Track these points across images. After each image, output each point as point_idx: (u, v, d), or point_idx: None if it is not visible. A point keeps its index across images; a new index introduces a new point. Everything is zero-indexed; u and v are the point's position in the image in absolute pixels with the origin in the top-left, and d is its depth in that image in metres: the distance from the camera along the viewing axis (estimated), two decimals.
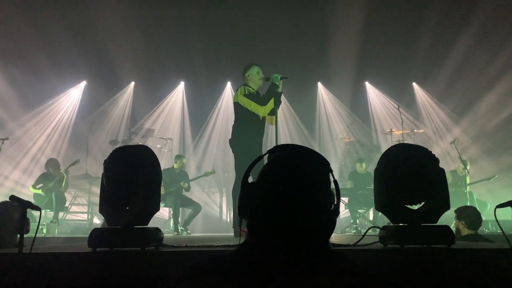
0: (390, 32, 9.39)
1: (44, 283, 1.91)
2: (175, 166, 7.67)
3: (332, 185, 1.16)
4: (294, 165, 1.13)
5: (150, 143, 9.23)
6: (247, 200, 1.14)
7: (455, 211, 4.35)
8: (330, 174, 1.16)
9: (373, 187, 2.30)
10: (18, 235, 2.09)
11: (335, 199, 1.14)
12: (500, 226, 2.21)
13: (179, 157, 7.85)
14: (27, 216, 2.17)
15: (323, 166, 1.15)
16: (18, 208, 2.12)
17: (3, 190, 8.44)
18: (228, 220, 8.98)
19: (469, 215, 4.33)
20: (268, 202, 1.09)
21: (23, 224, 2.09)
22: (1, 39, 8.86)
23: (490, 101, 9.66)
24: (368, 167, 7.89)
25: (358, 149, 9.36)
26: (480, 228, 6.64)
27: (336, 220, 1.14)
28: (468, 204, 6.91)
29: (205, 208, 8.60)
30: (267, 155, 1.21)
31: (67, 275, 1.92)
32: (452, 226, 4.32)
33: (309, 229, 1.08)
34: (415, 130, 9.07)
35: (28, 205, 2.10)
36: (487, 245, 2.93)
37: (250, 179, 1.20)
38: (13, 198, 2.09)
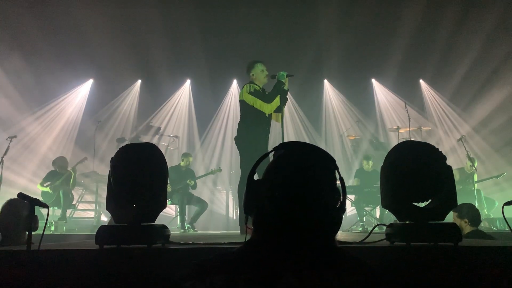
0: (397, 29, 9.33)
1: (52, 280, 1.92)
2: (182, 164, 7.70)
3: (338, 182, 1.16)
4: (299, 162, 1.13)
5: (156, 141, 9.26)
6: (253, 197, 1.14)
7: (454, 211, 4.27)
8: (336, 171, 1.15)
9: (379, 185, 2.29)
10: (27, 232, 2.11)
11: (341, 196, 1.14)
12: (508, 224, 2.20)
13: (186, 155, 7.88)
14: (35, 214, 2.19)
15: (329, 163, 1.15)
16: (26, 205, 2.14)
17: (12, 189, 8.50)
18: (235, 218, 8.99)
19: (470, 212, 4.31)
20: (274, 199, 1.09)
21: (31, 221, 2.10)
22: (8, 38, 8.92)
23: (499, 97, 9.57)
24: (375, 165, 7.86)
25: (364, 147, 9.33)
26: (487, 226, 6.62)
27: (342, 217, 1.14)
28: (476, 202, 6.88)
29: (211, 206, 8.63)
30: (272, 152, 1.21)
31: (75, 271, 1.94)
32: None
33: (315, 227, 1.08)
34: (422, 128, 9.02)
35: (36, 202, 2.11)
36: (495, 242, 2.91)
37: (256, 177, 1.20)
38: (21, 195, 2.11)
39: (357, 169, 8.19)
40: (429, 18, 9.12)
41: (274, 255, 1.04)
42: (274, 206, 1.09)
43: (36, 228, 2.45)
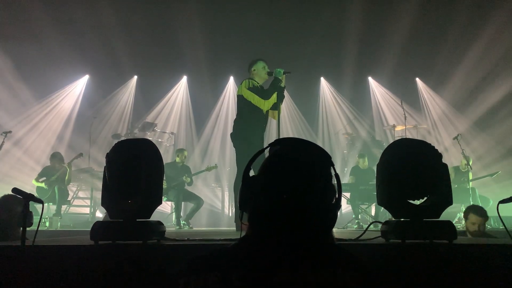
0: (394, 27, 9.34)
1: (47, 276, 1.92)
2: (177, 160, 7.67)
3: (334, 179, 1.15)
4: (295, 158, 1.12)
5: (152, 137, 9.24)
6: (248, 193, 1.14)
7: (481, 215, 4.21)
8: (331, 167, 1.15)
9: (375, 182, 2.29)
10: (21, 228, 2.09)
11: (336, 193, 1.13)
12: (502, 222, 2.21)
13: (180, 150, 7.83)
14: (30, 209, 2.17)
15: (324, 159, 1.15)
16: (20, 201, 2.12)
17: (7, 185, 8.46)
18: (230, 214, 9.00)
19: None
20: (269, 195, 1.09)
21: (26, 217, 2.09)
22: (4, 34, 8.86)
23: (494, 97, 9.60)
24: (370, 163, 7.87)
25: (360, 144, 9.34)
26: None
27: (337, 214, 1.13)
28: (471, 200, 6.91)
29: (207, 203, 8.61)
30: (268, 148, 1.21)
31: (69, 267, 1.93)
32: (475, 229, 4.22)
33: (310, 223, 1.08)
34: (418, 126, 9.04)
35: (30, 198, 2.10)
36: (489, 240, 2.92)
37: (252, 173, 1.19)
38: (15, 190, 2.09)
39: (353, 166, 8.20)
40: (426, 16, 9.14)
41: (269, 252, 1.04)
42: (269, 202, 1.08)
43: (30, 224, 2.43)
